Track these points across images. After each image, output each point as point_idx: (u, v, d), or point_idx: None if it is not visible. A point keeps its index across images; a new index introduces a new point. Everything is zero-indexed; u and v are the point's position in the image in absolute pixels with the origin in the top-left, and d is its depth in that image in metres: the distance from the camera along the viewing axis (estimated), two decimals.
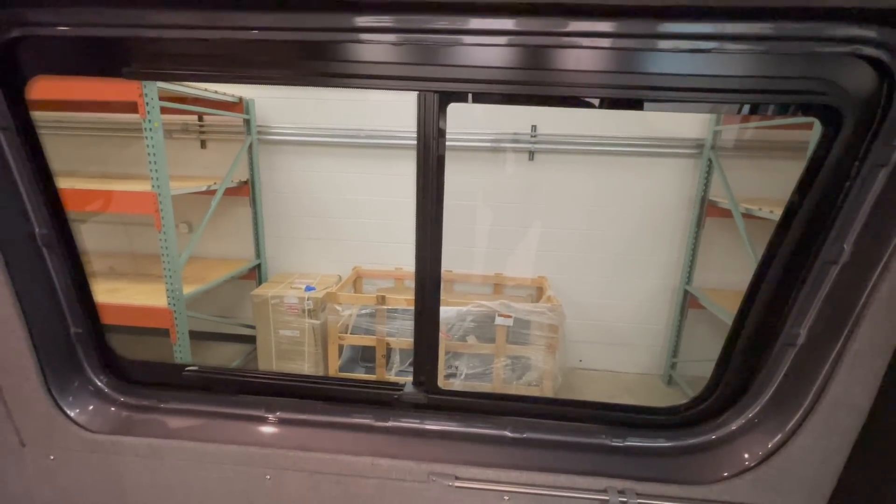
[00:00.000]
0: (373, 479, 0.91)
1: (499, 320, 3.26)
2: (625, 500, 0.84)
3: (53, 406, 0.91)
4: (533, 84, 0.70)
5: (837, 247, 0.74)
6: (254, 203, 3.71)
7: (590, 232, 3.59)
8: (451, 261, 3.79)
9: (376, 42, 0.70)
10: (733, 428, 0.86)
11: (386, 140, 3.49)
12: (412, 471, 0.90)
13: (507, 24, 0.65)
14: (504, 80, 0.71)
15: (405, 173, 3.58)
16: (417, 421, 0.94)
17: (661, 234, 3.53)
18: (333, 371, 3.41)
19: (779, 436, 0.81)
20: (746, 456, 0.83)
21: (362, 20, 0.67)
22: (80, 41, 0.72)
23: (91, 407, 0.96)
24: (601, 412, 0.93)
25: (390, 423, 0.94)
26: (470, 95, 0.73)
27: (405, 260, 3.84)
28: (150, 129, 2.62)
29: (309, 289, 3.51)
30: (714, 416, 0.88)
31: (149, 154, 2.67)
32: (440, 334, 3.53)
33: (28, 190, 0.84)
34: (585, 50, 0.66)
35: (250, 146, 3.56)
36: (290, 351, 3.56)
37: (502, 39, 0.67)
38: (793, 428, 0.80)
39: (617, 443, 0.90)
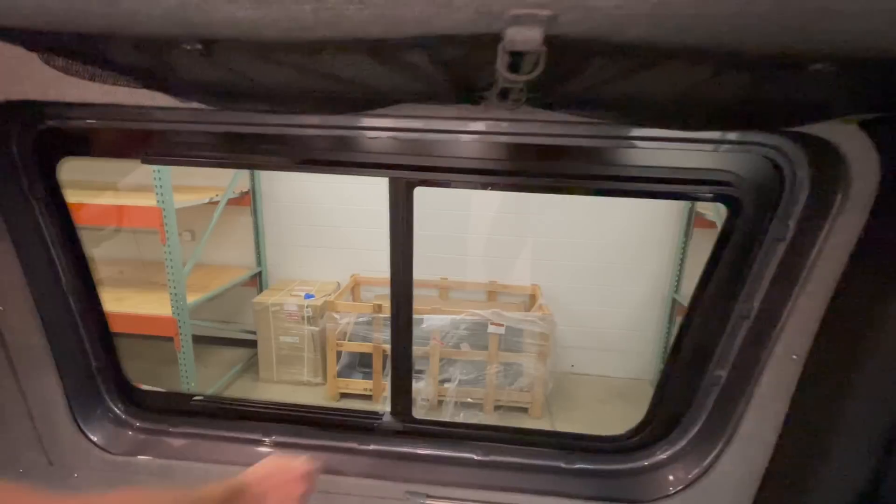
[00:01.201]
0: (356, 496, 1.04)
1: (491, 328, 3.37)
2: None
3: (77, 431, 1.04)
4: (487, 173, 0.83)
5: (748, 305, 0.86)
6: (255, 213, 3.82)
7: (583, 241, 3.68)
8: (447, 268, 3.91)
9: (352, 137, 0.82)
10: (665, 457, 0.99)
11: None
12: (390, 489, 1.02)
13: (456, 124, 0.78)
14: (466, 168, 0.84)
15: None
16: (395, 446, 1.07)
17: (652, 243, 3.63)
18: (332, 376, 3.53)
19: (702, 464, 0.93)
20: (675, 480, 0.96)
21: (339, 120, 0.79)
22: (104, 131, 0.85)
23: (110, 431, 1.09)
24: (556, 439, 1.06)
25: (371, 447, 1.07)
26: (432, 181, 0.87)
27: None
28: None
29: (308, 296, 3.63)
30: (650, 446, 1.01)
31: (154, 171, 2.79)
32: (434, 342, 3.64)
33: (56, 247, 0.96)
34: (538, 146, 0.79)
35: None
36: (290, 357, 3.69)
37: (469, 137, 0.80)
38: (714, 458, 0.92)
39: (568, 466, 1.02)
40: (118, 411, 1.11)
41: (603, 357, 3.97)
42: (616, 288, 3.79)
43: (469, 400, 3.49)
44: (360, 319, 3.55)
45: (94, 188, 3.44)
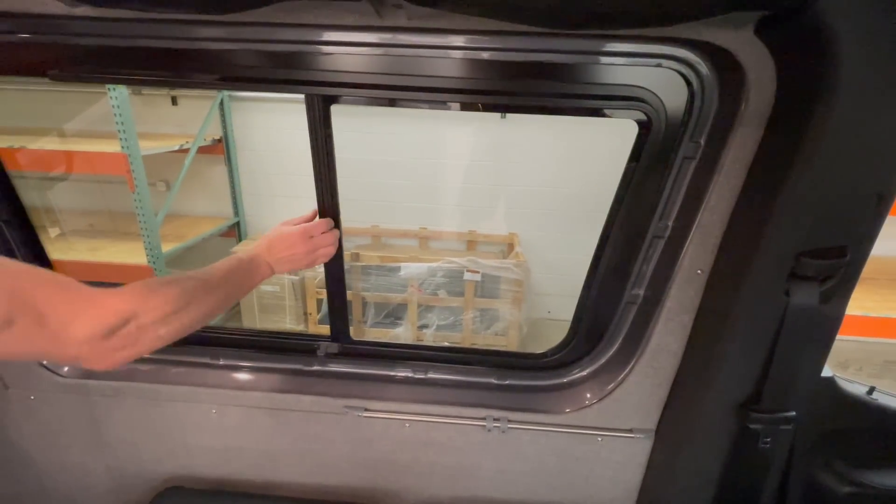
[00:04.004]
0: (298, 412, 1.11)
1: (467, 276, 3.44)
2: (498, 425, 1.05)
3: None
4: (401, 89, 0.82)
5: (663, 224, 0.88)
6: (229, 161, 3.75)
7: (561, 190, 3.67)
8: (427, 218, 3.91)
9: (268, 52, 0.80)
10: (587, 371, 1.05)
11: None
12: (329, 405, 1.09)
13: (373, 37, 0.76)
14: (380, 84, 0.82)
15: (380, 131, 3.61)
16: (335, 365, 1.12)
17: None
18: (313, 323, 3.62)
19: (619, 376, 1.00)
20: (596, 391, 1.03)
21: (254, 33, 0.76)
22: (8, 46, 0.81)
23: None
24: (489, 357, 1.12)
25: (314, 368, 1.12)
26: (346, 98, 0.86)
27: (382, 217, 3.94)
28: (113, 88, 2.62)
29: None
30: (573, 362, 1.07)
31: (115, 114, 2.69)
32: (412, 289, 3.69)
33: None
34: (446, 60, 0.77)
35: (221, 103, 3.55)
36: (272, 305, 3.75)
37: (375, 50, 0.78)
38: (629, 370, 0.98)
39: (498, 381, 1.09)
40: None
41: None
42: (593, 236, 3.81)
43: (446, 344, 3.61)
44: None
45: (55, 135, 3.34)
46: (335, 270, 1.03)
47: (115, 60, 0.83)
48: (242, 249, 0.88)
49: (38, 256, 1.12)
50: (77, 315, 0.57)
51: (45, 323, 0.55)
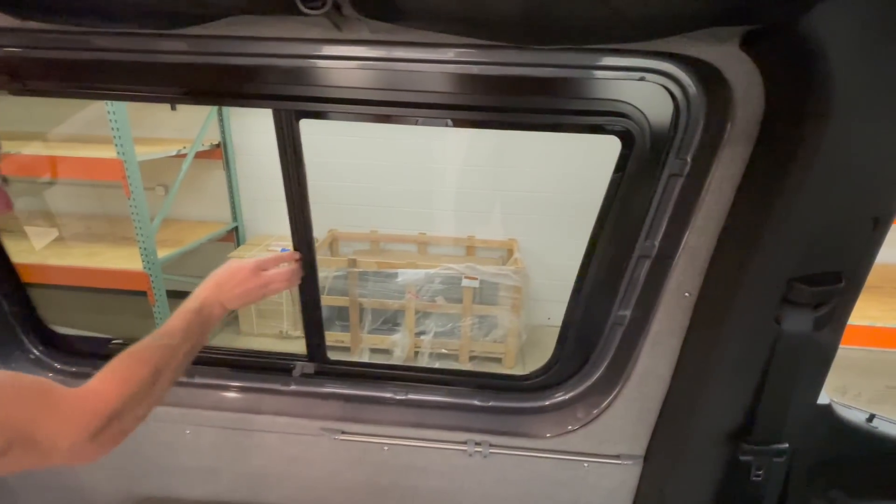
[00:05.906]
0: (274, 433, 1.07)
1: (465, 282, 3.39)
2: (480, 449, 1.01)
3: None
4: (371, 103, 0.79)
5: (650, 243, 0.84)
6: (227, 166, 3.74)
7: (561, 195, 3.63)
8: (426, 223, 3.88)
9: (234, 66, 0.77)
10: (572, 394, 1.01)
11: None
12: (306, 426, 1.06)
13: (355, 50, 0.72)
14: (349, 99, 0.79)
15: (377, 135, 3.59)
16: (313, 387, 1.09)
17: None
18: None
19: (605, 400, 0.96)
20: (580, 415, 0.99)
21: (219, 47, 0.73)
22: None
23: (28, 373, 1.11)
24: (471, 378, 1.08)
25: (291, 388, 1.09)
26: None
27: (379, 222, 3.92)
28: None
29: (284, 251, 3.63)
30: (558, 385, 1.03)
31: (110, 119, 2.68)
32: (409, 295, 3.65)
33: None
34: (414, 73, 0.74)
35: (220, 108, 3.54)
36: (269, 310, 3.74)
37: (342, 63, 0.75)
38: (615, 394, 0.94)
39: (480, 403, 1.05)
40: (37, 353, 1.13)
41: None
42: None
43: (444, 351, 3.57)
44: (338, 274, 3.55)
45: (50, 139, 3.34)
46: (310, 292, 1.00)
47: (76, 73, 0.81)
48: (191, 295, 0.85)
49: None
50: (61, 428, 0.58)
51: (35, 443, 0.57)
